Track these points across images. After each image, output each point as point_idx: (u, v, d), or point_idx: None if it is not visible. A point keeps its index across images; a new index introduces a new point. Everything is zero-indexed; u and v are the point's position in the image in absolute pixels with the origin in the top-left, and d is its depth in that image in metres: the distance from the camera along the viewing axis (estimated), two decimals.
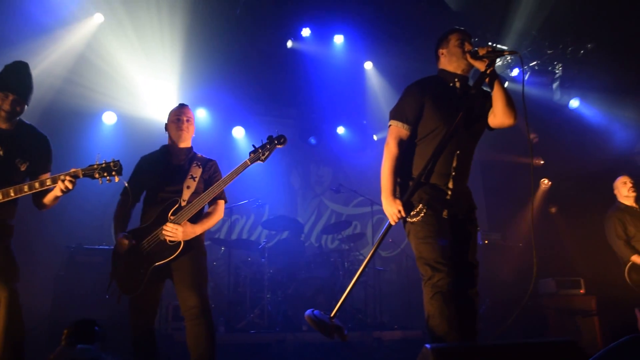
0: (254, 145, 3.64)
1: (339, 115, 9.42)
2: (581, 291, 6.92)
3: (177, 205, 3.63)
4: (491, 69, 3.18)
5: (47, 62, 6.80)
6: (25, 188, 3.23)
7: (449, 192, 3.26)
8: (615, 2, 6.78)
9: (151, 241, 3.59)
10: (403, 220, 3.29)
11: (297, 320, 6.53)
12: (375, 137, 9.54)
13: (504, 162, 8.72)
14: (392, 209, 3.20)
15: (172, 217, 3.58)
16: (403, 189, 3.33)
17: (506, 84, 8.20)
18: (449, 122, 3.19)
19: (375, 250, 3.34)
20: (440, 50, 3.51)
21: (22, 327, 3.30)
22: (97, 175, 3.22)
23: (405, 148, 3.36)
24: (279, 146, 3.63)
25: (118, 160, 3.27)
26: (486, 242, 7.39)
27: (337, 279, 7.15)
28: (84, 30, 7.00)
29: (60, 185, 3.20)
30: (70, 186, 3.22)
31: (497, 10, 7.40)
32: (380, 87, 8.89)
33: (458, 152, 3.26)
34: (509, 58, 8.45)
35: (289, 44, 8.03)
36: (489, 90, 3.36)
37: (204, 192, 3.74)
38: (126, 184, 3.71)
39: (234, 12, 7.29)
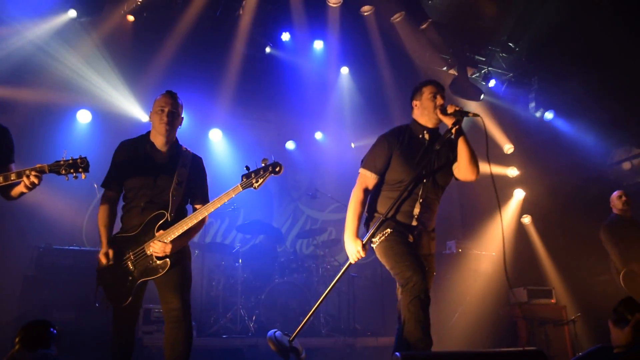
0: (247, 168, 3.44)
1: (317, 120, 9.42)
2: (552, 301, 7.01)
3: (164, 220, 3.51)
4: (457, 127, 3.42)
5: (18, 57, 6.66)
6: (0, 179, 3.14)
7: (414, 228, 3.51)
8: (592, 19, 6.91)
9: (138, 254, 3.50)
10: (372, 248, 3.51)
11: (270, 325, 6.48)
12: (352, 145, 9.55)
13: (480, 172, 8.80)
14: (353, 248, 3.43)
15: (157, 234, 3.47)
16: (370, 220, 3.65)
17: (482, 97, 8.31)
18: (413, 175, 3.46)
19: (335, 282, 3.61)
20: (414, 102, 3.74)
21: None
22: (63, 172, 3.15)
23: (375, 189, 3.66)
24: (275, 175, 3.42)
25: (85, 157, 3.20)
26: (460, 250, 7.43)
27: (312, 285, 7.13)
28: (55, 25, 6.82)
29: (25, 180, 3.11)
30: (35, 181, 3.12)
31: (476, 22, 7.49)
32: (358, 94, 8.92)
33: (421, 200, 3.50)
34: (485, 70, 8.57)
35: (268, 49, 8.01)
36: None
37: (188, 194, 3.68)
38: (95, 185, 3.61)
39: (214, 13, 7.25)
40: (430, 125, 3.63)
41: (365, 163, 3.65)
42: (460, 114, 3.41)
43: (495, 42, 8.11)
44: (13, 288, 5.80)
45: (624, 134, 7.97)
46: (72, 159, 3.17)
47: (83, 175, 3.19)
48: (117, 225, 3.69)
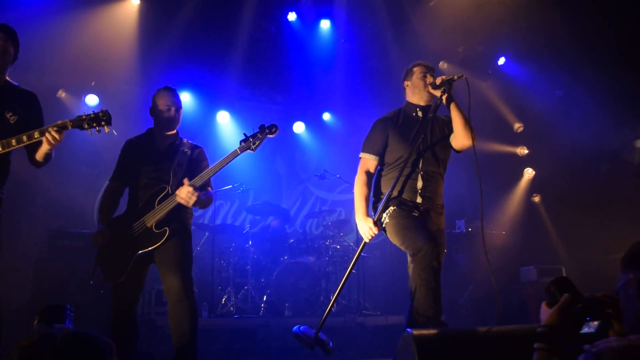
0: (245, 134, 3.58)
1: (325, 101, 9.37)
2: None
3: (164, 192, 3.59)
4: (445, 95, 3.51)
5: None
6: (14, 142, 3.12)
7: (419, 205, 3.55)
8: None
9: (138, 227, 3.55)
10: (383, 228, 3.56)
11: (281, 305, 6.53)
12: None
13: (489, 150, 8.75)
14: (365, 226, 3.49)
15: (158, 206, 3.54)
16: (376, 203, 3.71)
17: (490, 74, 8.21)
18: (412, 149, 3.54)
19: (352, 266, 3.57)
20: (406, 82, 3.89)
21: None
22: (86, 126, 3.16)
23: (377, 174, 3.80)
24: (270, 135, 3.58)
25: (107, 110, 3.22)
26: (470, 229, 7.43)
27: (321, 265, 7.16)
28: (60, 8, 6.72)
29: (47, 136, 3.09)
30: (57, 136, 3.10)
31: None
32: (366, 74, 8.84)
33: (422, 173, 3.59)
34: (495, 48, 8.45)
35: (275, 27, 7.95)
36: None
37: (190, 175, 3.70)
38: (114, 129, 3.60)
39: None
40: (422, 103, 3.76)
41: (364, 147, 3.80)
42: (448, 82, 3.49)
43: (505, 19, 7.98)
44: (27, 271, 5.88)
45: (635, 111, 7.87)
46: (94, 113, 3.18)
47: (107, 129, 3.21)
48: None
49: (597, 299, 1.84)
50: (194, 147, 3.92)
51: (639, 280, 1.55)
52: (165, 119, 3.79)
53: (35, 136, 3.12)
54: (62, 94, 7.42)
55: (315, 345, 3.39)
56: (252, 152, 3.59)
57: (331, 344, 3.51)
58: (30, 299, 5.58)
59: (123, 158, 3.87)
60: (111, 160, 3.91)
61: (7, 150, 3.14)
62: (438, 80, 3.54)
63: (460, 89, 3.54)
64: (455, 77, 3.51)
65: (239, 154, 3.55)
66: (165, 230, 3.50)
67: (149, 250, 3.50)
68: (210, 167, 3.61)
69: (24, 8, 6.42)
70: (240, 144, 3.56)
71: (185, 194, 3.44)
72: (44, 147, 3.19)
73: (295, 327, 3.55)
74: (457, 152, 3.75)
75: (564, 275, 7.03)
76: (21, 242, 6.45)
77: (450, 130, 3.66)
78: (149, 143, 3.84)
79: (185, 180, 3.49)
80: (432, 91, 3.61)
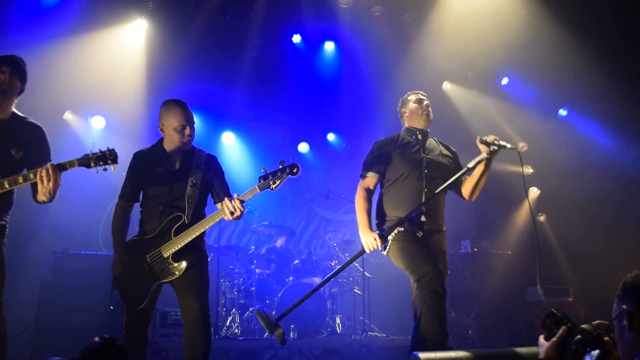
0: (264, 170, 3.43)
1: (330, 122, 9.43)
2: (569, 299, 6.95)
3: (180, 222, 3.52)
4: (491, 157, 3.50)
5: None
6: (20, 179, 3.12)
7: (424, 224, 3.63)
8: (605, 6, 6.82)
9: (154, 257, 3.49)
10: (385, 248, 3.62)
11: (286, 327, 6.49)
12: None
13: (494, 170, 8.74)
14: (368, 238, 3.57)
15: (175, 237, 3.47)
16: (380, 224, 3.80)
17: (496, 94, 8.23)
18: (414, 167, 3.72)
19: (345, 266, 3.71)
20: (403, 110, 4.05)
21: (5, 340, 3.20)
22: (92, 165, 3.20)
23: (381, 192, 3.90)
24: (292, 176, 3.43)
25: (113, 149, 3.25)
26: (475, 249, 7.39)
27: (326, 286, 7.13)
28: (67, 32, 6.77)
29: (38, 175, 3.08)
30: (49, 176, 3.07)
31: (487, 17, 7.42)
32: (370, 95, 8.90)
33: (425, 190, 3.67)
34: (499, 67, 8.50)
35: (280, 49, 8.03)
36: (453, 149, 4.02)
37: (205, 195, 3.67)
38: (124, 174, 3.56)
39: (224, 18, 7.28)
40: (421, 127, 3.93)
41: (365, 166, 3.90)
42: (499, 146, 3.43)
43: (506, 38, 8.03)
44: (31, 293, 5.86)
45: None
46: (101, 152, 3.22)
47: (112, 167, 3.25)
48: (134, 230, 3.71)
49: (594, 329, 1.86)
50: (208, 159, 3.79)
51: (630, 312, 1.58)
52: (178, 136, 3.62)
53: (31, 177, 3.12)
54: (68, 115, 7.49)
55: (274, 330, 3.31)
56: (271, 191, 3.44)
57: (287, 335, 3.47)
58: (34, 320, 5.57)
59: (132, 173, 3.72)
60: (118, 181, 3.83)
61: (13, 187, 3.16)
62: (490, 138, 3.44)
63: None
64: (508, 146, 3.46)
65: (257, 192, 3.43)
66: (183, 263, 3.45)
67: (166, 282, 3.48)
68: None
69: (31, 30, 6.50)
70: (260, 180, 3.41)
71: (232, 206, 3.37)
72: (39, 187, 3.13)
73: (259, 306, 3.56)
74: (454, 192, 3.89)
75: (570, 294, 6.98)
76: (26, 264, 6.44)
77: (456, 165, 3.86)
78: (160, 160, 3.68)
79: (235, 195, 3.42)
80: (479, 145, 3.49)
